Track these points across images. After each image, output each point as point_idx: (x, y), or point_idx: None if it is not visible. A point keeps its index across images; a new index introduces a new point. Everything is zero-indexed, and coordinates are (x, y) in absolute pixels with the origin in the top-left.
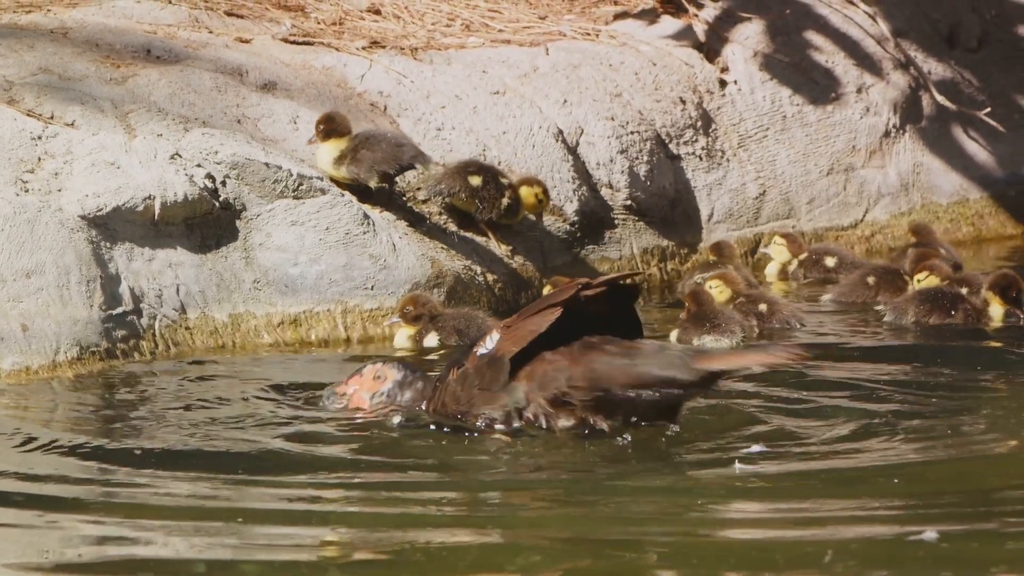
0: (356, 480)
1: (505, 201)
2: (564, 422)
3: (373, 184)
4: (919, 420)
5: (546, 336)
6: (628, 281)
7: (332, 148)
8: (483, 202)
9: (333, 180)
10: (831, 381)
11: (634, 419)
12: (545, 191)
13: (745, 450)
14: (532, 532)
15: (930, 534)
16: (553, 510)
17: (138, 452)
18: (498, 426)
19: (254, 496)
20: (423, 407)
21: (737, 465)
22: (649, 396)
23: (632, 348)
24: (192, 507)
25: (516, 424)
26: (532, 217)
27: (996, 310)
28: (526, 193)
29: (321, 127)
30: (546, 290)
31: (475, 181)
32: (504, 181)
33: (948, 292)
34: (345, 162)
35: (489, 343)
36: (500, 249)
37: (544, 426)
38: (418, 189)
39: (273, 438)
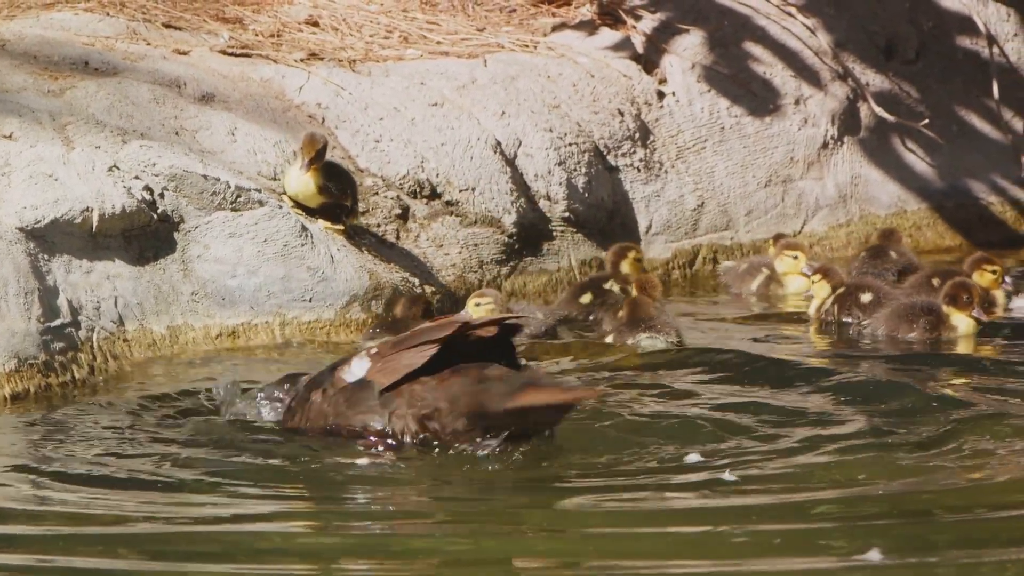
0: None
1: (621, 313)
2: (430, 438)
3: (348, 202)
4: (862, 438)
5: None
6: (512, 320)
7: (316, 175)
8: (594, 313)
9: (302, 203)
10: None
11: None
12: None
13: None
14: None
15: (874, 555)
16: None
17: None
18: (370, 436)
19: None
20: (282, 423)
21: (727, 473)
22: (519, 422)
23: (508, 375)
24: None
25: (387, 432)
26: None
27: (959, 320)
28: (629, 267)
29: (313, 164)
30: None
31: (585, 299)
32: (610, 287)
33: (914, 305)
34: (327, 183)
35: (357, 369)
36: (438, 261)
37: (409, 441)
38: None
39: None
